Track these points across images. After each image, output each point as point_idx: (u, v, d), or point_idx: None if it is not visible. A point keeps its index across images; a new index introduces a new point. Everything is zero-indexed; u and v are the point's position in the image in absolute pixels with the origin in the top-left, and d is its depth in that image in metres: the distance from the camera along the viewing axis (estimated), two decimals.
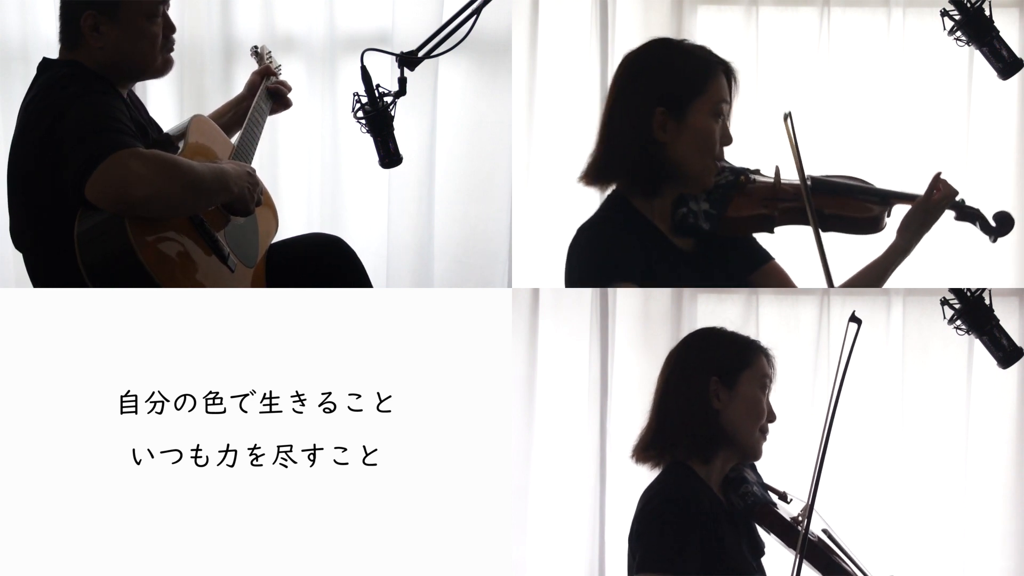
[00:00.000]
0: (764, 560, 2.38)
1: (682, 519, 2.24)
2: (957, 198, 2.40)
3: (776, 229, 2.43)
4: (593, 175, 2.39)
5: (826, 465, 2.43)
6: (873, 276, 2.40)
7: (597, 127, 2.39)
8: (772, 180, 2.41)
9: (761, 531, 2.37)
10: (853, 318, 2.32)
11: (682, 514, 2.24)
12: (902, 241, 2.40)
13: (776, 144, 2.51)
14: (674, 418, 2.33)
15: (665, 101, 2.30)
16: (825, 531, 2.37)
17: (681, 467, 2.32)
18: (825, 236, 2.40)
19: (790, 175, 2.41)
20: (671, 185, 2.36)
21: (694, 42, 2.38)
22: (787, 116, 2.40)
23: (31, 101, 2.54)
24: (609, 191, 2.41)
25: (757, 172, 2.44)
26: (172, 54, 2.67)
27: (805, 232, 2.41)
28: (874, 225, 2.45)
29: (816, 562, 2.32)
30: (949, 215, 2.43)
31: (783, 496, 2.39)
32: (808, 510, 2.29)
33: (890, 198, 2.45)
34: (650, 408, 2.39)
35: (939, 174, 2.41)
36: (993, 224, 2.45)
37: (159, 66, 2.65)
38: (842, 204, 2.43)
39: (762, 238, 2.48)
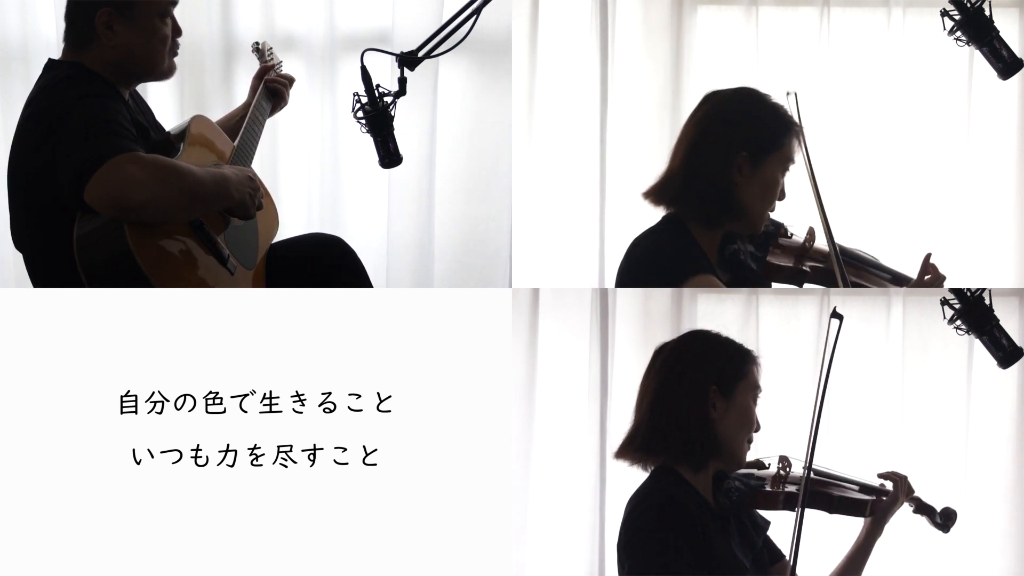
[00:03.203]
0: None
1: (669, 525, 2.24)
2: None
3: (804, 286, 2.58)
4: (665, 196, 2.47)
5: (826, 465, 2.44)
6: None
7: (674, 152, 2.48)
8: (804, 239, 2.59)
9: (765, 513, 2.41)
10: (835, 314, 2.38)
11: (669, 520, 2.25)
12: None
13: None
14: (670, 422, 2.33)
15: (749, 147, 2.42)
16: (812, 469, 2.38)
17: (667, 472, 2.33)
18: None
19: (821, 240, 2.59)
20: (728, 222, 2.46)
21: (775, 100, 2.49)
22: (790, 93, 2.49)
23: (31, 102, 2.54)
24: (665, 213, 2.48)
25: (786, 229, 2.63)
26: (175, 58, 2.68)
27: None
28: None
29: (818, 504, 2.38)
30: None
31: (758, 464, 2.41)
32: (802, 495, 2.31)
33: (901, 280, 2.67)
34: (638, 406, 2.39)
35: (929, 256, 2.63)
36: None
37: (166, 68, 2.66)
38: (861, 275, 2.64)
39: None
